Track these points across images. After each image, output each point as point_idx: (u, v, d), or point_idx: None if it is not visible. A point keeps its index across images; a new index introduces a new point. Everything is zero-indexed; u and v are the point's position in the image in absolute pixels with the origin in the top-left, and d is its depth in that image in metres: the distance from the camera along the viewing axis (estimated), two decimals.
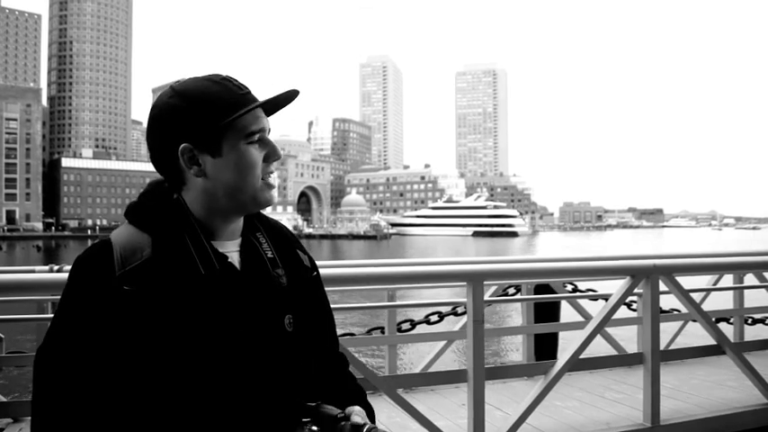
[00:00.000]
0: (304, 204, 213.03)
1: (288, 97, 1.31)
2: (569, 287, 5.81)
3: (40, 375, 1.17)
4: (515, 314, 17.09)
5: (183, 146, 1.24)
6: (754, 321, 6.62)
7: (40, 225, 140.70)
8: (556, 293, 5.52)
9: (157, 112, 1.27)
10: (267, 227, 1.42)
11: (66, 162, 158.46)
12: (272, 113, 1.36)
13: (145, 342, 1.15)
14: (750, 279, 6.02)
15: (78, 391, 1.14)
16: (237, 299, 1.24)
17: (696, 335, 5.47)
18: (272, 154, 1.31)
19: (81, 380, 1.14)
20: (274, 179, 1.34)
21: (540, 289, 5.59)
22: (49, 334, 1.19)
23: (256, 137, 1.27)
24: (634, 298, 5.50)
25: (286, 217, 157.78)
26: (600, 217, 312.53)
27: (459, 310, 5.30)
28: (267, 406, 1.23)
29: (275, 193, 1.34)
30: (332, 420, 1.19)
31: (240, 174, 1.26)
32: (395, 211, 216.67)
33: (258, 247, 1.35)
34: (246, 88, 1.29)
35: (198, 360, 1.16)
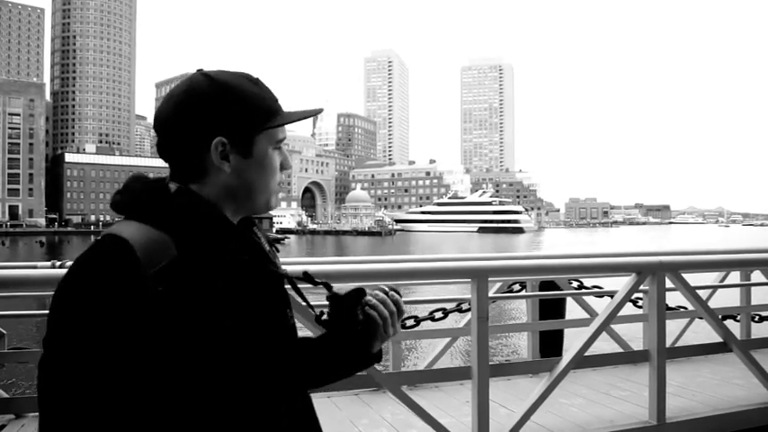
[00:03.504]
0: (308, 200, 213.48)
1: (314, 113, 1.33)
2: (575, 284, 5.78)
3: (63, 387, 1.02)
4: (520, 311, 17.08)
5: (217, 139, 1.20)
6: (761, 319, 6.58)
7: (43, 221, 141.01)
8: (561, 290, 5.50)
9: (193, 97, 1.20)
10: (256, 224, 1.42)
11: (69, 157, 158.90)
12: None
13: (180, 344, 1.08)
14: (757, 276, 5.97)
15: (111, 401, 1.03)
16: (266, 292, 1.25)
17: (702, 332, 5.44)
18: (285, 163, 1.34)
19: (114, 387, 1.03)
20: (283, 186, 1.38)
21: (546, 286, 5.56)
22: (62, 340, 1.04)
23: (279, 144, 1.31)
24: (640, 295, 5.48)
25: (290, 213, 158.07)
26: (606, 213, 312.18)
27: (464, 306, 5.27)
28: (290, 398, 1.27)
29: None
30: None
31: (264, 177, 1.28)
32: (399, 207, 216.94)
33: (258, 240, 1.33)
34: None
35: (235, 357, 1.14)
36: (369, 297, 1.31)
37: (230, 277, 1.17)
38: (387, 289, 1.36)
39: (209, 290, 1.12)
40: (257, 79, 1.28)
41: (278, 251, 1.45)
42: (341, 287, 1.31)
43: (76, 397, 1.02)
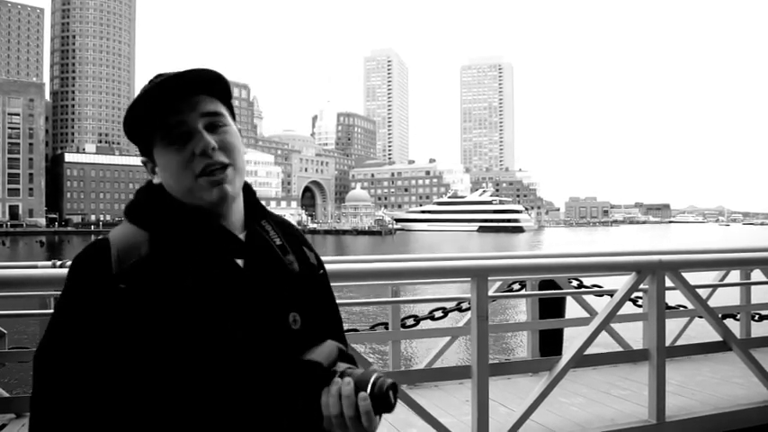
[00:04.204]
0: (308, 199, 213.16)
1: (197, 76, 1.23)
2: (574, 283, 5.78)
3: (39, 374, 1.14)
4: (520, 310, 17.07)
5: (141, 159, 1.31)
6: (761, 318, 6.59)
7: (43, 220, 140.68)
8: (561, 289, 5.50)
9: None
10: (272, 217, 1.38)
11: (69, 157, 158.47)
12: (224, 98, 1.30)
13: (144, 340, 1.12)
14: (757, 275, 5.97)
15: (78, 391, 1.10)
16: (240, 293, 1.20)
17: (702, 331, 5.44)
18: (197, 146, 1.21)
19: (81, 379, 1.11)
20: (232, 172, 1.24)
21: (545, 285, 5.56)
22: (47, 333, 1.16)
23: (175, 133, 1.22)
24: (640, 294, 5.47)
25: (290, 212, 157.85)
26: (606, 212, 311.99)
27: (464, 305, 5.28)
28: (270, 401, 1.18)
29: (229, 187, 1.23)
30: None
31: (171, 178, 1.24)
32: (399, 206, 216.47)
33: (265, 235, 1.31)
34: (165, 84, 1.21)
35: (200, 356, 1.13)
36: (335, 381, 1.13)
37: (198, 275, 1.17)
38: (369, 387, 1.10)
39: (171, 287, 1.15)
40: (151, 80, 1.25)
41: (301, 240, 1.41)
42: (355, 369, 1.17)
43: (50, 386, 1.12)
